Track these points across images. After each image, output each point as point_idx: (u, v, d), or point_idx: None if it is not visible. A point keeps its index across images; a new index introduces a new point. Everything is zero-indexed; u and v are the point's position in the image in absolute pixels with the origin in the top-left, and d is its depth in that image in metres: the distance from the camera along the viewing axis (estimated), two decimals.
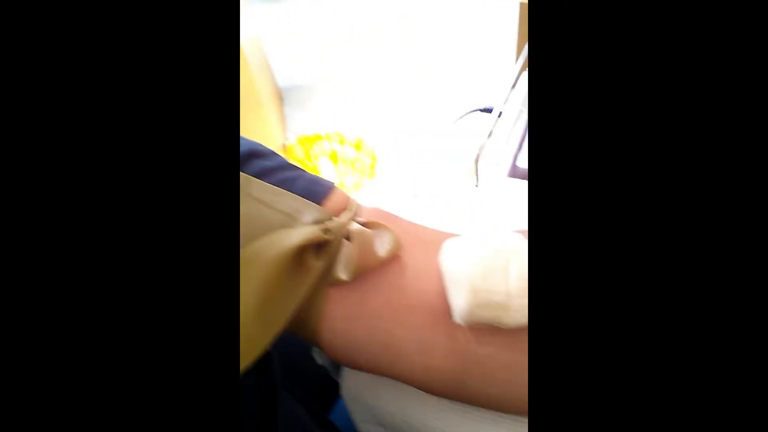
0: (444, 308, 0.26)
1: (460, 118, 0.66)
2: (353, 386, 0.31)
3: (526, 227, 0.27)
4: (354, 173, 1.44)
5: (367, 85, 1.69)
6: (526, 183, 0.52)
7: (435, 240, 0.28)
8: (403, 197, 0.51)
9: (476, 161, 0.56)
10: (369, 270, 0.27)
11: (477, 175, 0.56)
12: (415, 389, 0.27)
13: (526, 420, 0.26)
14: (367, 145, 1.49)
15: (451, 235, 0.29)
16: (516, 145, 0.56)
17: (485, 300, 0.24)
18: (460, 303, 0.24)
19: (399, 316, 0.26)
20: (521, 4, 0.62)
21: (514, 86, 0.62)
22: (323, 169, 1.45)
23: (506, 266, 0.24)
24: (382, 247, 0.27)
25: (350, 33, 1.90)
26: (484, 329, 0.25)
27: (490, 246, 0.25)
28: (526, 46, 0.62)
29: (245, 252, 0.25)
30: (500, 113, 0.61)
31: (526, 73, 0.64)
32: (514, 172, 0.54)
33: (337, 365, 0.34)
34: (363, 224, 0.28)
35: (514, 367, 0.24)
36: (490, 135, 0.60)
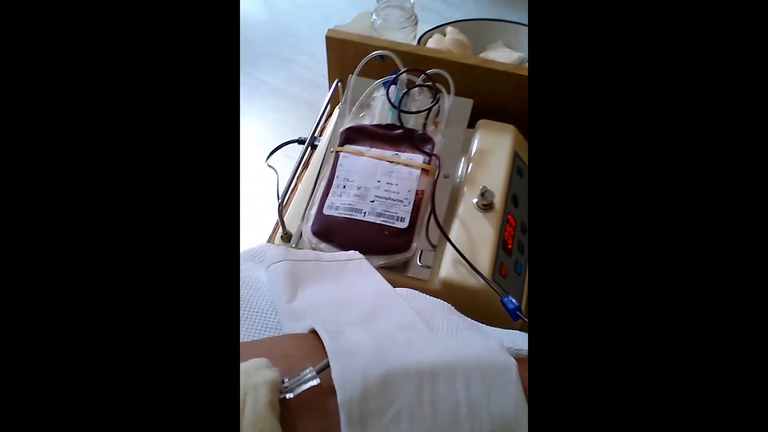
0: None
1: (272, 153, 0.63)
2: None
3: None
4: None
5: None
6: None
7: None
8: None
9: (280, 209, 0.52)
10: None
11: (284, 227, 0.53)
12: None
13: None
14: None
15: None
16: (323, 190, 0.54)
17: None
18: None
19: None
20: (327, 37, 0.62)
21: (325, 117, 0.61)
22: None
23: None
24: None
25: None
26: None
27: None
28: (335, 82, 0.62)
29: None
30: (311, 145, 0.60)
31: (338, 107, 0.64)
32: (320, 222, 0.52)
33: None
34: None
35: None
36: (297, 169, 0.57)
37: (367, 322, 0.35)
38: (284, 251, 0.40)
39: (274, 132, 1.25)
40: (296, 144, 0.67)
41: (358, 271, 0.40)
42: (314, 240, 0.52)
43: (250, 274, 0.39)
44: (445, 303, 0.42)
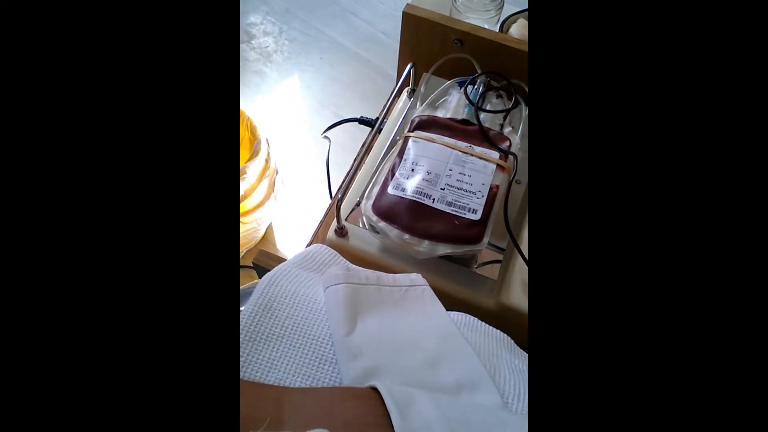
0: None
1: (331, 127, 0.59)
2: None
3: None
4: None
5: None
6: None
7: None
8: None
9: (339, 203, 0.49)
10: None
11: (340, 220, 0.50)
12: None
13: None
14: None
15: None
16: (387, 170, 0.50)
17: None
18: None
19: None
20: (404, 13, 0.57)
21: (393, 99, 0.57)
22: None
23: None
24: None
25: None
26: None
27: None
28: (408, 67, 0.57)
29: None
30: (377, 128, 0.56)
31: (405, 90, 0.60)
32: (382, 201, 0.48)
33: None
34: None
35: None
36: (360, 155, 0.54)
37: (431, 370, 0.32)
38: (345, 272, 0.37)
39: (325, 88, 1.20)
40: (355, 122, 0.63)
41: (420, 301, 0.37)
42: (374, 218, 0.48)
43: (305, 291, 0.37)
44: (506, 336, 0.40)
